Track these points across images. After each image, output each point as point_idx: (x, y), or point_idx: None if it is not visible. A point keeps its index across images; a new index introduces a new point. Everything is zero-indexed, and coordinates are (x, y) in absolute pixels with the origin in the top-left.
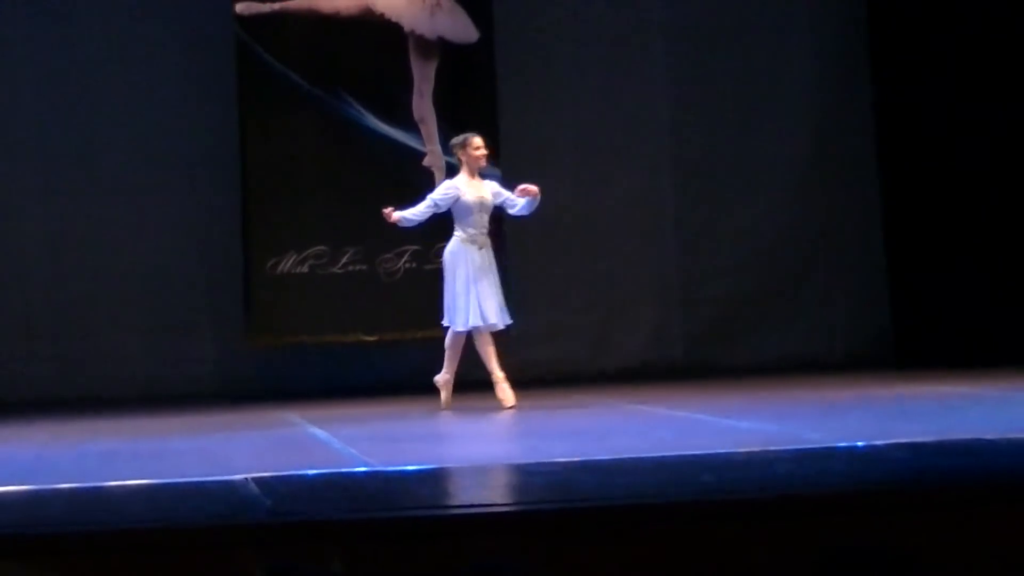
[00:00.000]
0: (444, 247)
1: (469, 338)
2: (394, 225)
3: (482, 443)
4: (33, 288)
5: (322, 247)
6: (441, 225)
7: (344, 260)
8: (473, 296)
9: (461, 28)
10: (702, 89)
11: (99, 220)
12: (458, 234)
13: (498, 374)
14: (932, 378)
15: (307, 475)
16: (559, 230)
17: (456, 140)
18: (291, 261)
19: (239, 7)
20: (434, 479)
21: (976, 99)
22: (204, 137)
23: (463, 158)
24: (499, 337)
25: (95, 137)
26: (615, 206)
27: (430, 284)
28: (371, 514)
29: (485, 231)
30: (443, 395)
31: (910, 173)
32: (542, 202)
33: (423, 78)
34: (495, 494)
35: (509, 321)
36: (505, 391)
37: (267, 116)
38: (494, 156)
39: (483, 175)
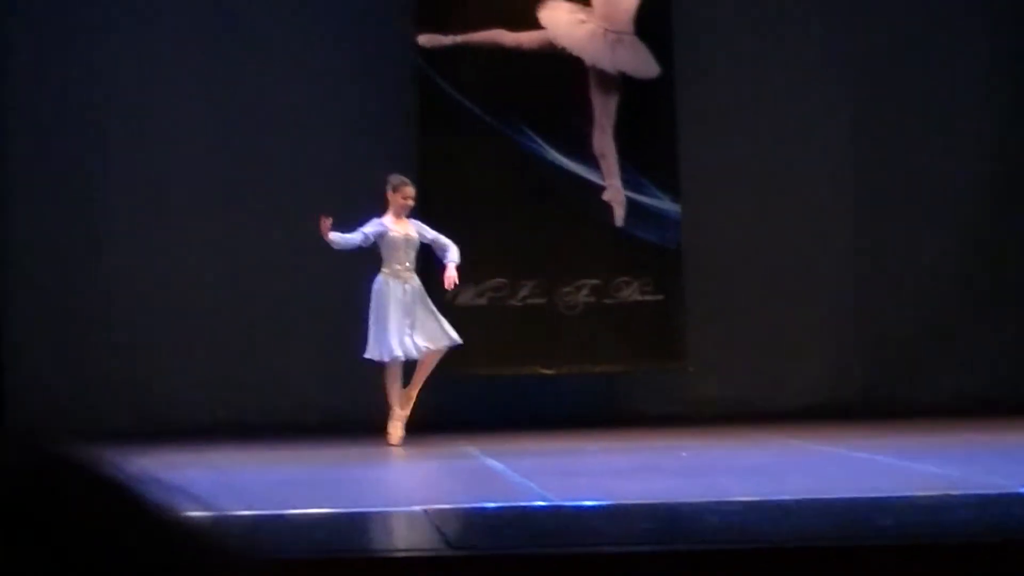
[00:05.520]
0: (624, 281)
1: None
2: (569, 257)
3: (658, 479)
4: (214, 315)
5: (501, 279)
6: (624, 261)
7: (523, 293)
8: (403, 328)
9: (642, 63)
10: (882, 124)
11: (274, 248)
12: (384, 270)
13: (405, 407)
14: None
15: (485, 508)
16: (736, 265)
17: (394, 180)
18: (470, 293)
19: (422, 38)
20: (611, 515)
21: None
22: (383, 168)
23: (391, 199)
24: (675, 374)
25: (271, 166)
26: (793, 241)
27: (610, 318)
28: (548, 549)
29: (410, 267)
30: (393, 431)
31: None
32: (720, 237)
33: (604, 113)
34: (670, 532)
35: (457, 341)
36: (398, 427)
37: (447, 147)
38: (673, 191)
39: (409, 216)
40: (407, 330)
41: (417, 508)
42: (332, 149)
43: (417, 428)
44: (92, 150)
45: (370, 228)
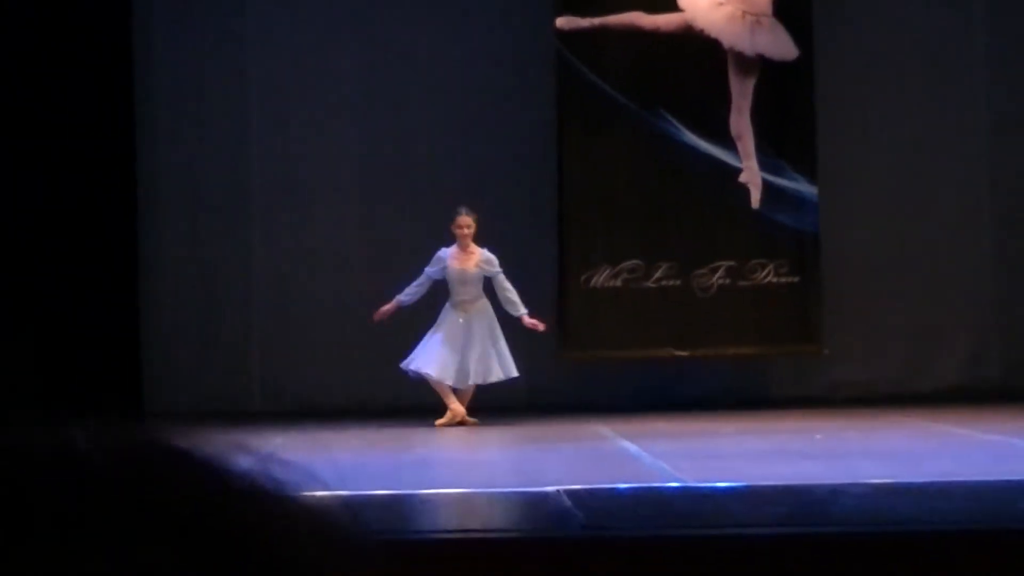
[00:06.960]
0: (759, 263)
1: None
2: (705, 239)
3: (792, 462)
4: (349, 297)
5: (636, 261)
6: (759, 243)
7: (658, 275)
8: (455, 356)
9: (781, 45)
10: (1022, 108)
11: (417, 233)
12: (450, 299)
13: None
14: None
15: (619, 489)
16: (875, 250)
17: (454, 213)
18: (605, 275)
19: (560, 21)
20: (744, 498)
21: None
22: (521, 150)
23: (454, 231)
24: (810, 357)
25: (410, 150)
26: (932, 226)
27: (744, 301)
28: (682, 530)
29: (470, 299)
30: (454, 408)
31: None
32: (857, 219)
33: (741, 95)
34: (804, 515)
35: (512, 375)
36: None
37: (584, 130)
38: (811, 173)
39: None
40: (459, 359)
41: (551, 488)
42: (470, 135)
43: (551, 410)
44: (235, 141)
45: (431, 266)
